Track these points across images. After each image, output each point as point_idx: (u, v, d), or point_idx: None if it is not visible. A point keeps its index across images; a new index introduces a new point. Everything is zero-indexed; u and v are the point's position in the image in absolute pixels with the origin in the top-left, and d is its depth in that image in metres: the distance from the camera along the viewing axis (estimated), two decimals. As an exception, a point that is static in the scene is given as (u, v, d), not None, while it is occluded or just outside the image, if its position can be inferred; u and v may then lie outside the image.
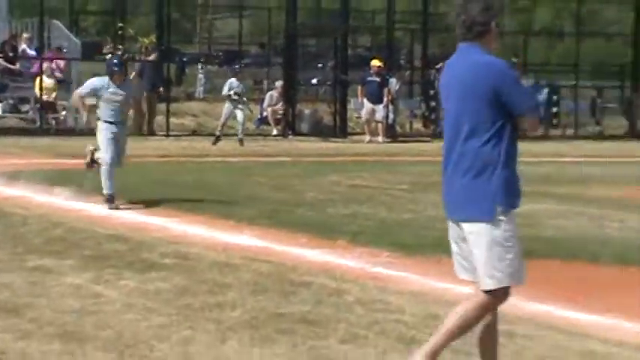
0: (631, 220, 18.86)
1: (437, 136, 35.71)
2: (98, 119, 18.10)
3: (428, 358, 8.02)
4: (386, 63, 42.67)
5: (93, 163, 18.20)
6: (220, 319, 10.32)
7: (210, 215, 17.79)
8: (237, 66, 41.04)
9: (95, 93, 18.48)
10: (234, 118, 35.04)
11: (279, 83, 39.68)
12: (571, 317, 11.60)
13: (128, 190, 19.90)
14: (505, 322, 10.24)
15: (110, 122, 18.02)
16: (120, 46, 42.57)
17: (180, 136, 37.05)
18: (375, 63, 38.28)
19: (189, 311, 11.01)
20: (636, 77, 46.24)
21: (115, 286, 12.13)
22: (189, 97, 48.49)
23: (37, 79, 36.59)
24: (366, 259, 14.10)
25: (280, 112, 40.51)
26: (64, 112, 36.73)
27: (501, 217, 7.89)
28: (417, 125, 46.20)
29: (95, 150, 18.02)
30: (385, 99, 40.89)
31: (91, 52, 46.57)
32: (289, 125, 39.47)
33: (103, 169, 17.69)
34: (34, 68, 37.81)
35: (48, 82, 36.24)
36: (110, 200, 17.60)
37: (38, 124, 36.58)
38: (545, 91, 45.24)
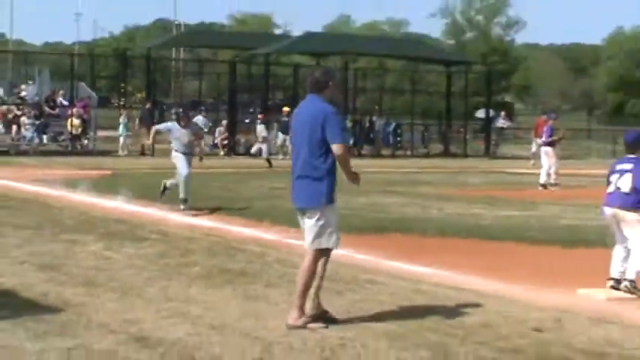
0: (446, 207, 20.59)
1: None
2: (175, 150, 18.78)
3: (299, 310, 8.59)
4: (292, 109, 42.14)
5: (165, 190, 18.74)
6: (187, 273, 11.27)
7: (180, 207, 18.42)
8: (202, 108, 46.35)
9: (167, 132, 19.51)
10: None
11: (224, 122, 43.41)
12: (410, 269, 12.15)
13: (128, 190, 20.82)
14: (368, 273, 11.67)
15: (182, 153, 18.58)
16: (123, 99, 50.53)
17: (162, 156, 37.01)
18: (286, 109, 38.76)
19: (167, 267, 11.80)
20: (449, 119, 47.42)
21: (119, 252, 12.96)
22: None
23: (69, 120, 42.45)
24: (281, 234, 14.63)
25: (225, 140, 43.89)
26: (86, 141, 41.90)
27: (324, 208, 8.71)
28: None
29: (166, 182, 18.86)
30: None
31: (104, 103, 55.56)
32: (231, 149, 40.37)
33: (181, 181, 18.24)
34: (67, 113, 43.57)
35: (76, 121, 41.58)
36: (184, 202, 18.15)
37: (70, 148, 40.77)
38: (393, 126, 45.91)
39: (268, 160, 35.74)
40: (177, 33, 73.91)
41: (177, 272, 11.21)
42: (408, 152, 48.03)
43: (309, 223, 8.68)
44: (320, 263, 8.67)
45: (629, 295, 10.38)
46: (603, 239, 11.52)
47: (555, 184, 26.83)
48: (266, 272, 10.89)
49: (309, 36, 55.72)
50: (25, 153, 37.46)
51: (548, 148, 28.30)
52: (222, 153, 43.52)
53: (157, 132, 20.99)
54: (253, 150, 39.58)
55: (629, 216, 10.58)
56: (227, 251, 12.72)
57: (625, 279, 10.50)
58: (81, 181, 24.31)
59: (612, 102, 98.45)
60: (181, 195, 18.15)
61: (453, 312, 9.40)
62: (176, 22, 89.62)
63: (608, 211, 10.80)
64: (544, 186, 26.73)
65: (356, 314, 9.10)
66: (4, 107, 42.72)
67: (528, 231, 16.16)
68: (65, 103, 44.22)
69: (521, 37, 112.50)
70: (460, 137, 49.61)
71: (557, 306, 9.78)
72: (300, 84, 50.03)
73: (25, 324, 8.21)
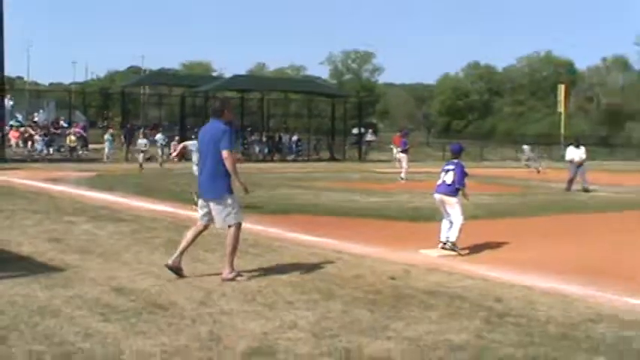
0: (332, 195, 19.59)
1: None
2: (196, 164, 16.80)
3: (230, 267, 8.56)
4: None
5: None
6: (152, 243, 11.04)
7: (146, 197, 18.37)
8: (161, 129, 45.49)
9: (192, 148, 16.19)
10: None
11: (177, 137, 41.19)
12: (306, 239, 11.99)
13: (111, 187, 20.98)
14: (278, 241, 11.55)
15: None
16: (105, 122, 52.30)
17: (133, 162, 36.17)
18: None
19: (138, 240, 11.56)
20: (333, 134, 47.50)
21: (103, 229, 12.67)
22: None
23: (68, 137, 42.00)
24: (245, 219, 14.08)
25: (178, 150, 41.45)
26: (80, 152, 41.58)
27: (227, 196, 8.57)
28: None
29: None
30: None
31: (92, 125, 54.94)
32: (182, 156, 39.64)
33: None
34: (66, 132, 43.34)
35: (73, 138, 41.32)
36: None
37: (68, 157, 40.19)
38: (295, 139, 45.92)
39: None
40: (143, 75, 72.81)
41: (144, 243, 11.05)
42: (305, 158, 47.66)
43: (218, 209, 8.57)
44: (236, 232, 8.54)
45: (452, 253, 10.70)
46: (435, 215, 11.65)
47: (406, 179, 26.90)
48: (205, 242, 10.36)
49: (236, 77, 55.72)
50: (36, 160, 36.77)
51: (403, 154, 28.87)
52: (176, 159, 42.15)
53: (184, 147, 18.22)
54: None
55: (450, 200, 10.95)
56: (178, 228, 12.24)
57: (449, 241, 10.84)
58: (76, 180, 24.10)
59: (442, 123, 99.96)
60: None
61: (336, 268, 9.45)
62: (143, 68, 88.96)
63: (437, 196, 11.12)
64: (404, 180, 26.69)
65: (269, 270, 9.12)
66: (22, 128, 43.47)
67: (388, 211, 16.28)
68: (65, 125, 45.57)
69: (382, 79, 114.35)
70: (341, 147, 49.37)
71: (405, 261, 9.92)
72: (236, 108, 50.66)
73: (38, 279, 8.23)
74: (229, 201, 8.55)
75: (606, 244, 12.58)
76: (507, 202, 19.32)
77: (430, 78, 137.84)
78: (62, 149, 41.17)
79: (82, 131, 44.50)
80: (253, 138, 47.70)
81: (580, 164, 24.08)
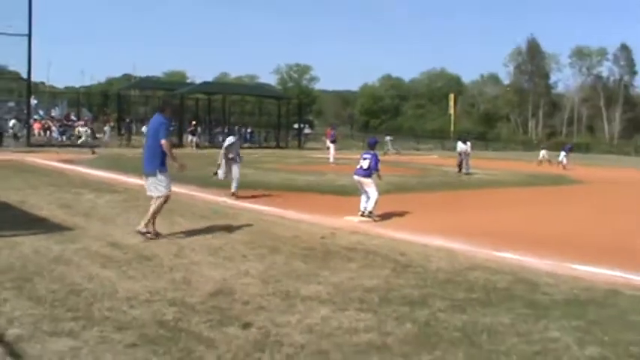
0: (279, 175, 18.12)
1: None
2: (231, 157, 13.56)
3: (144, 227, 8.34)
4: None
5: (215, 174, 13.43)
6: (138, 209, 10.52)
7: (134, 174, 16.06)
8: (146, 123, 43.69)
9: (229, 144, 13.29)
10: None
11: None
12: (257, 207, 11.91)
13: (108, 166, 20.12)
14: (235, 210, 11.40)
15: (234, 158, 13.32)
16: (105, 117, 48.62)
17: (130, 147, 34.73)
18: (194, 122, 41.31)
19: (129, 207, 11.29)
20: (279, 128, 47.19)
21: (102, 198, 12.39)
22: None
23: (76, 129, 40.10)
24: (187, 189, 13.69)
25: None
26: (86, 140, 37.58)
27: (159, 173, 8.35)
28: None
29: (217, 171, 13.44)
30: None
31: (95, 119, 49.68)
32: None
33: (235, 178, 13.26)
34: (76, 124, 41.70)
35: (82, 129, 38.66)
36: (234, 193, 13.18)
37: (77, 143, 37.03)
38: (250, 131, 45.60)
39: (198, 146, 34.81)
40: (134, 82, 71.18)
41: (133, 209, 10.77)
42: (257, 146, 46.06)
43: (151, 180, 8.41)
44: (159, 202, 8.40)
45: (369, 219, 10.72)
46: (356, 191, 11.61)
47: (334, 163, 26.47)
48: (177, 209, 10.47)
49: (205, 83, 54.66)
50: (53, 146, 35.39)
51: (332, 144, 29.04)
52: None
53: (226, 148, 13.42)
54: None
55: (367, 180, 11.02)
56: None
57: (367, 211, 10.89)
58: (82, 159, 23.35)
59: (362, 121, 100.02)
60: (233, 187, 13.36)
61: (280, 230, 9.42)
62: (134, 75, 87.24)
63: (356, 178, 11.19)
64: (334, 163, 26.17)
65: (228, 231, 9.04)
66: (43, 121, 42.96)
67: (320, 187, 16.17)
68: (74, 119, 44.67)
69: (317, 86, 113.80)
70: (285, 138, 48.68)
71: (333, 225, 9.93)
72: (200, 110, 49.57)
73: (53, 236, 8.19)
74: (161, 177, 8.38)
75: (481, 212, 12.86)
76: (409, 181, 19.24)
77: (354, 86, 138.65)
78: (72, 137, 39.89)
79: (87, 125, 43.28)
80: (217, 130, 47.12)
81: (466, 155, 24.49)
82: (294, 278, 6.41)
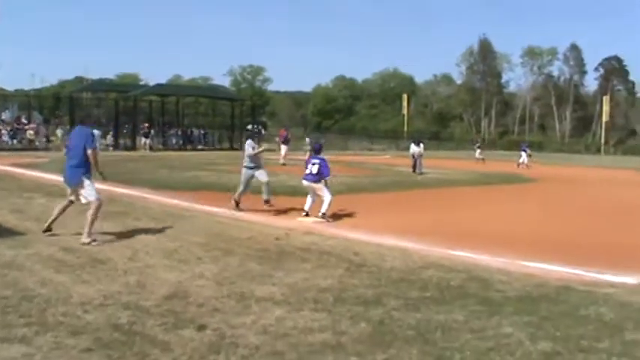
0: (231, 176, 17.85)
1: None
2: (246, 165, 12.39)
3: (87, 237, 8.16)
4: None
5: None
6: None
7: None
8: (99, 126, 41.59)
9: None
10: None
11: (111, 132, 40.35)
12: (211, 209, 11.80)
13: (61, 170, 18.33)
14: (189, 212, 11.33)
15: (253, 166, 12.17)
16: (57, 120, 49.99)
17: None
18: (146, 124, 39.08)
19: (82, 210, 10.59)
20: (233, 129, 47.02)
21: (54, 202, 11.51)
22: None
23: (27, 132, 39.51)
24: (143, 192, 13.79)
25: (113, 142, 41.32)
26: (37, 143, 37.72)
27: (84, 181, 8.37)
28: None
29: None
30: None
31: (47, 122, 50.45)
32: (116, 146, 40.52)
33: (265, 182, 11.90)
34: (25, 128, 40.50)
35: (31, 132, 39.10)
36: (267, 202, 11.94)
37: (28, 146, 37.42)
38: (203, 133, 44.96)
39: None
40: (86, 84, 69.58)
41: (84, 213, 10.38)
42: (211, 147, 46.09)
43: (83, 191, 8.38)
44: (95, 206, 8.30)
45: (323, 220, 10.67)
46: (307, 193, 11.37)
47: (285, 164, 26.38)
48: (131, 212, 10.50)
49: (158, 85, 54.33)
50: (3, 149, 34.81)
51: (284, 145, 29.23)
52: (111, 149, 40.11)
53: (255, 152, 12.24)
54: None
55: (317, 185, 11.07)
56: (109, 202, 11.20)
57: (321, 212, 10.78)
58: (33, 165, 22.68)
59: (315, 122, 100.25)
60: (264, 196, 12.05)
61: (235, 231, 9.37)
62: (86, 78, 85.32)
63: (306, 183, 11.20)
64: (284, 164, 26.28)
65: (183, 233, 8.98)
66: None
67: (274, 188, 15.65)
68: (25, 122, 43.42)
69: (270, 87, 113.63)
70: (238, 139, 48.25)
71: (287, 226, 9.94)
72: (153, 112, 48.67)
73: (5, 241, 8.10)
74: (87, 182, 8.37)
75: (435, 211, 12.96)
76: (362, 181, 19.26)
77: (307, 87, 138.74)
78: (23, 141, 39.23)
79: (38, 128, 42.28)
80: (171, 132, 46.50)
81: (419, 156, 24.81)
82: (248, 279, 6.40)
